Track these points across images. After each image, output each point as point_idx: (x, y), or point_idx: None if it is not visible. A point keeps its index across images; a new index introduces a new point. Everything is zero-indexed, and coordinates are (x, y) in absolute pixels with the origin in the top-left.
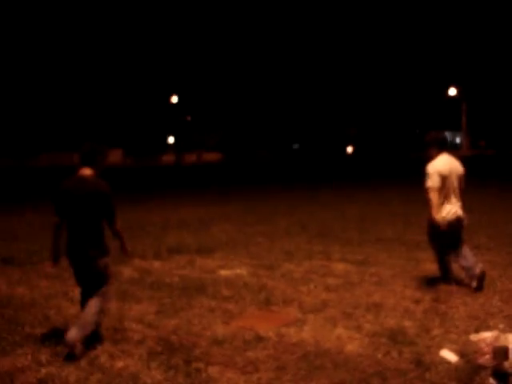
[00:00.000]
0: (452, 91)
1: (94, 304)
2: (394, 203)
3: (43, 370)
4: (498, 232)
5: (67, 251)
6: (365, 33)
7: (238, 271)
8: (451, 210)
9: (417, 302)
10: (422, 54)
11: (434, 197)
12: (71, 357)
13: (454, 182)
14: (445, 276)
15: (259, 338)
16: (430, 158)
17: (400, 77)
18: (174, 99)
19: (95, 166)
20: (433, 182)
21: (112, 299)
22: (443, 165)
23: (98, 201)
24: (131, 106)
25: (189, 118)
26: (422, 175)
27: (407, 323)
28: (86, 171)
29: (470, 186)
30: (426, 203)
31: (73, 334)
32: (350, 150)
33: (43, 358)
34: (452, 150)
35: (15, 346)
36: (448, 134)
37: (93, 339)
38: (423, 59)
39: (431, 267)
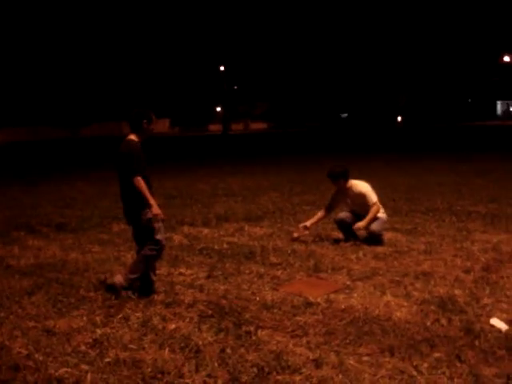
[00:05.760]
0: (506, 58)
1: (139, 255)
2: (444, 173)
3: (98, 331)
4: None
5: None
6: None
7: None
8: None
9: (467, 271)
10: (475, 19)
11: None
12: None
13: None
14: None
15: (308, 304)
16: (340, 188)
17: (452, 43)
18: (221, 69)
19: (140, 131)
20: (375, 196)
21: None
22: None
23: (124, 160)
24: (179, 75)
25: (235, 88)
26: (471, 145)
27: (457, 292)
28: (130, 136)
29: None
30: (478, 173)
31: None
32: (399, 119)
33: (98, 319)
34: (506, 119)
35: (71, 308)
36: (501, 104)
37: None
38: (476, 24)
39: (482, 237)
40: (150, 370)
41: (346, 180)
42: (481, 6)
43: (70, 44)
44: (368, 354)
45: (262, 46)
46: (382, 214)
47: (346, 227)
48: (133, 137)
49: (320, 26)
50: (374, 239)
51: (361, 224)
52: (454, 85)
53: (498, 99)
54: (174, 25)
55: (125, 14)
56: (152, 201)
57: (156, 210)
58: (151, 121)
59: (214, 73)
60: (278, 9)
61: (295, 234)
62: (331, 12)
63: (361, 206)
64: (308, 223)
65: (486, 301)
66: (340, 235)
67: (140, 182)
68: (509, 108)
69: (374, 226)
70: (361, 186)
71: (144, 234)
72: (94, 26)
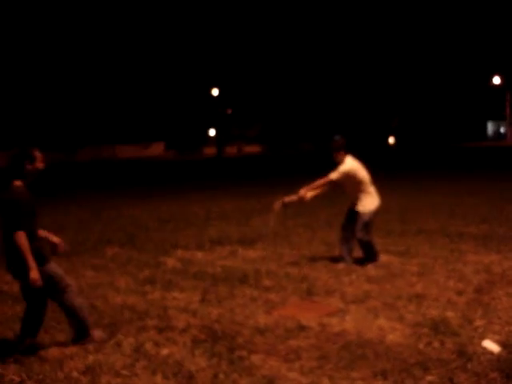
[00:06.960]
0: (496, 80)
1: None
2: (437, 194)
3: (90, 357)
4: None
5: None
6: (406, 20)
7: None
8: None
9: (459, 293)
10: (465, 42)
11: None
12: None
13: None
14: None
15: (301, 328)
16: (339, 161)
17: (443, 65)
18: (215, 92)
19: (24, 175)
20: (336, 176)
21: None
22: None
23: (6, 210)
24: (172, 99)
25: (229, 111)
26: (465, 165)
27: (450, 314)
28: (14, 182)
29: None
30: (469, 193)
31: None
32: (391, 140)
33: (90, 345)
34: (496, 140)
35: (64, 334)
36: (491, 124)
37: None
38: (466, 48)
39: (474, 258)
40: None
41: (345, 153)
42: (472, 29)
43: (61, 67)
44: (361, 379)
45: (255, 68)
46: (363, 208)
47: (344, 228)
48: (17, 182)
49: (313, 48)
50: (362, 245)
51: (301, 190)
52: (445, 106)
53: (489, 120)
54: (166, 49)
55: (116, 37)
56: (32, 263)
57: (34, 274)
58: (34, 159)
59: (208, 96)
60: (270, 31)
61: (286, 199)
62: (323, 34)
63: (345, 186)
64: (309, 195)
65: (478, 323)
66: (335, 253)
67: (22, 238)
68: (499, 129)
69: (357, 233)
70: (346, 162)
71: (46, 289)
72: (86, 50)
